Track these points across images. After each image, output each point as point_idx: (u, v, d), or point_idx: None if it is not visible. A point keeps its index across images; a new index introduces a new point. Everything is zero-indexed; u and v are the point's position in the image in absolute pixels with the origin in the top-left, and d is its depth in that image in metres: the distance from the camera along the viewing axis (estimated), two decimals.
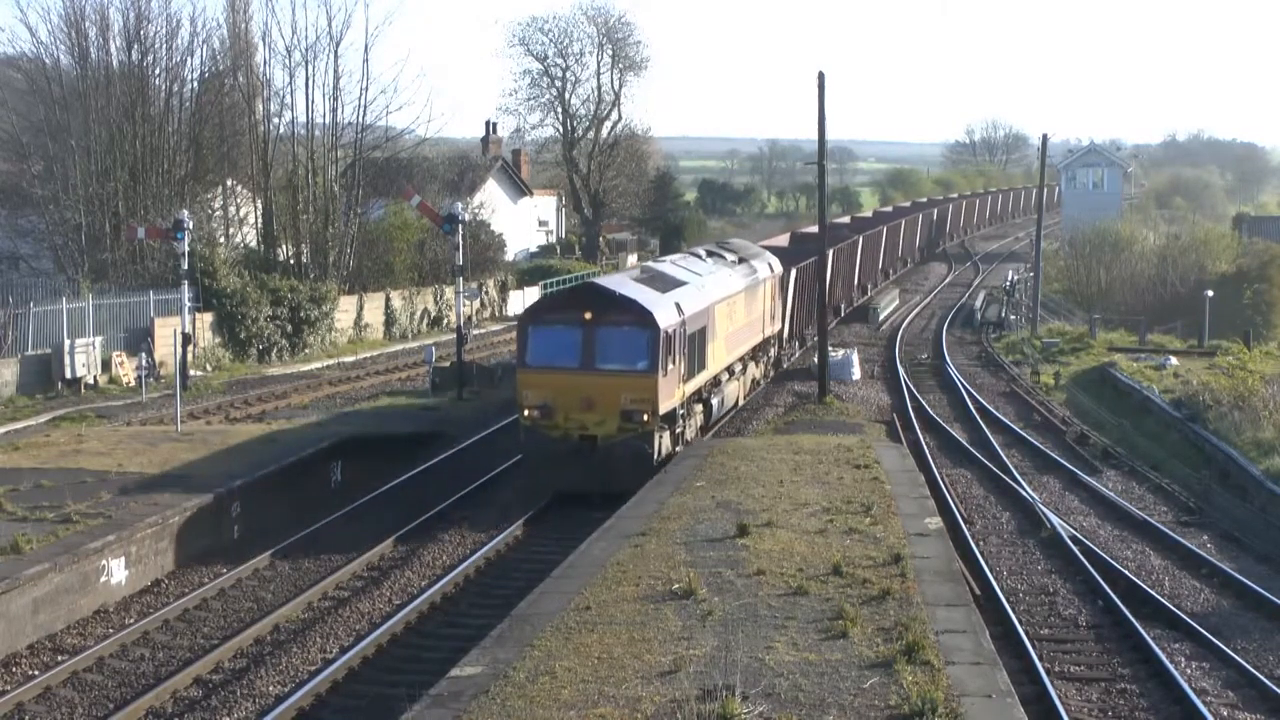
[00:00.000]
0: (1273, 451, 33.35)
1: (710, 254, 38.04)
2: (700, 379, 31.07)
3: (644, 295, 28.39)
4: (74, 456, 28.84)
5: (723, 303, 33.50)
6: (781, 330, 45.25)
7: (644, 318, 27.28)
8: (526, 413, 27.57)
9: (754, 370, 40.24)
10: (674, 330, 27.97)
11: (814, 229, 66.70)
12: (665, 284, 30.47)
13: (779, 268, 43.09)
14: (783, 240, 62.25)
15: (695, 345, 30.14)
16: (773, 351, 44.10)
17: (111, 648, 19.99)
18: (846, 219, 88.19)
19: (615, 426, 27.17)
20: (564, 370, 27.36)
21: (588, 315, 27.31)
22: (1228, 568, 25.23)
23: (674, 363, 28.03)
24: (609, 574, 19.59)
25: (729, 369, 35.32)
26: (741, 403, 37.84)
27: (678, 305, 29.03)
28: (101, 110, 50.10)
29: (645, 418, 27.08)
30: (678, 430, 29.29)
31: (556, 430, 27.52)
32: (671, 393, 28.04)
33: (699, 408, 31.68)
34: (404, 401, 39.63)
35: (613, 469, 27.15)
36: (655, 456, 27.44)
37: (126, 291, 45.37)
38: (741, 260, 39.02)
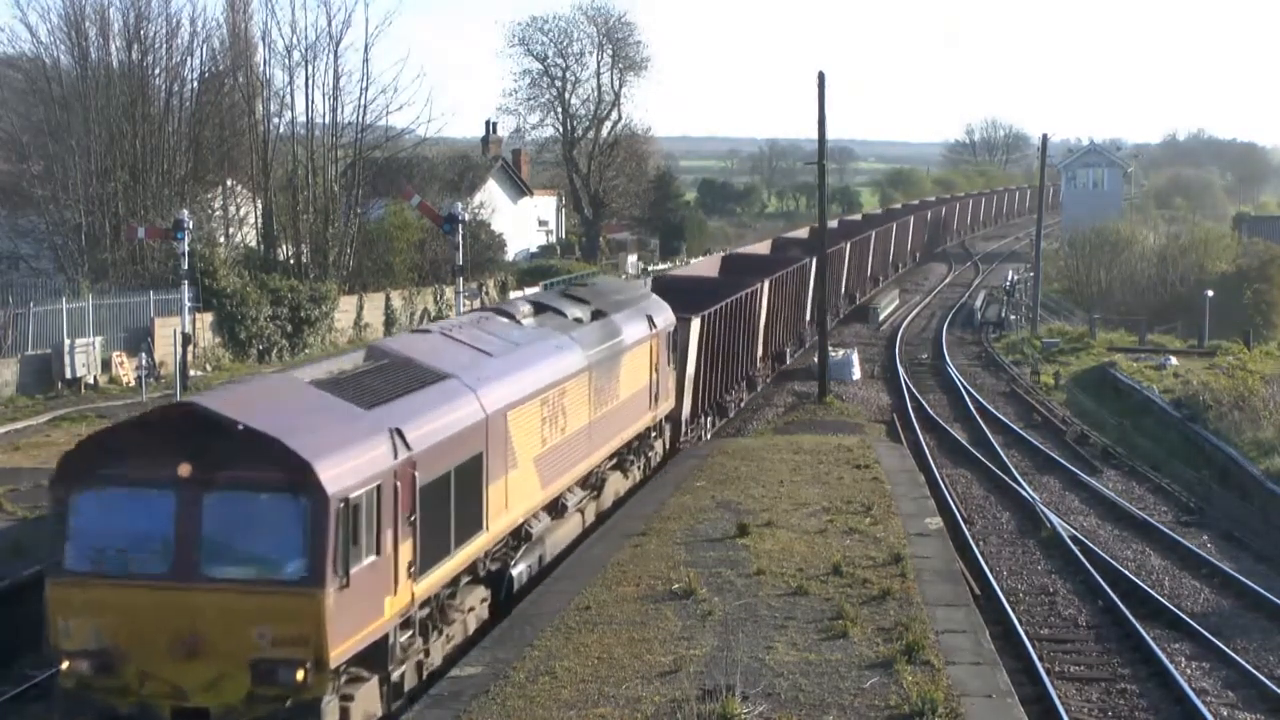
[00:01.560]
0: (1273, 451, 33.35)
1: (541, 309, 24.02)
2: (469, 550, 17.59)
3: (307, 419, 14.85)
4: None
5: (534, 400, 20.02)
6: (678, 409, 30.68)
7: (295, 472, 13.88)
8: (67, 664, 14.14)
9: (618, 482, 25.93)
10: (376, 488, 14.68)
11: (755, 249, 61.95)
12: (385, 387, 16.62)
13: (666, 319, 28.98)
14: (711, 268, 49.49)
15: (452, 495, 16.90)
16: (658, 445, 29.30)
17: None
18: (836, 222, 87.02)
19: (242, 692, 13.89)
20: (140, 582, 14.06)
21: (185, 469, 14.05)
22: (1228, 568, 25.25)
23: (380, 550, 14.78)
24: (609, 574, 19.63)
25: (557, 503, 21.74)
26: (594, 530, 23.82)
27: (397, 433, 15.50)
28: (101, 110, 50.08)
29: (301, 675, 13.75)
30: (403, 668, 15.87)
31: (127, 698, 14.08)
32: (372, 612, 14.76)
33: (475, 595, 18.39)
34: None
35: None
36: None
37: (126, 291, 45.33)
38: (597, 315, 25.25)
